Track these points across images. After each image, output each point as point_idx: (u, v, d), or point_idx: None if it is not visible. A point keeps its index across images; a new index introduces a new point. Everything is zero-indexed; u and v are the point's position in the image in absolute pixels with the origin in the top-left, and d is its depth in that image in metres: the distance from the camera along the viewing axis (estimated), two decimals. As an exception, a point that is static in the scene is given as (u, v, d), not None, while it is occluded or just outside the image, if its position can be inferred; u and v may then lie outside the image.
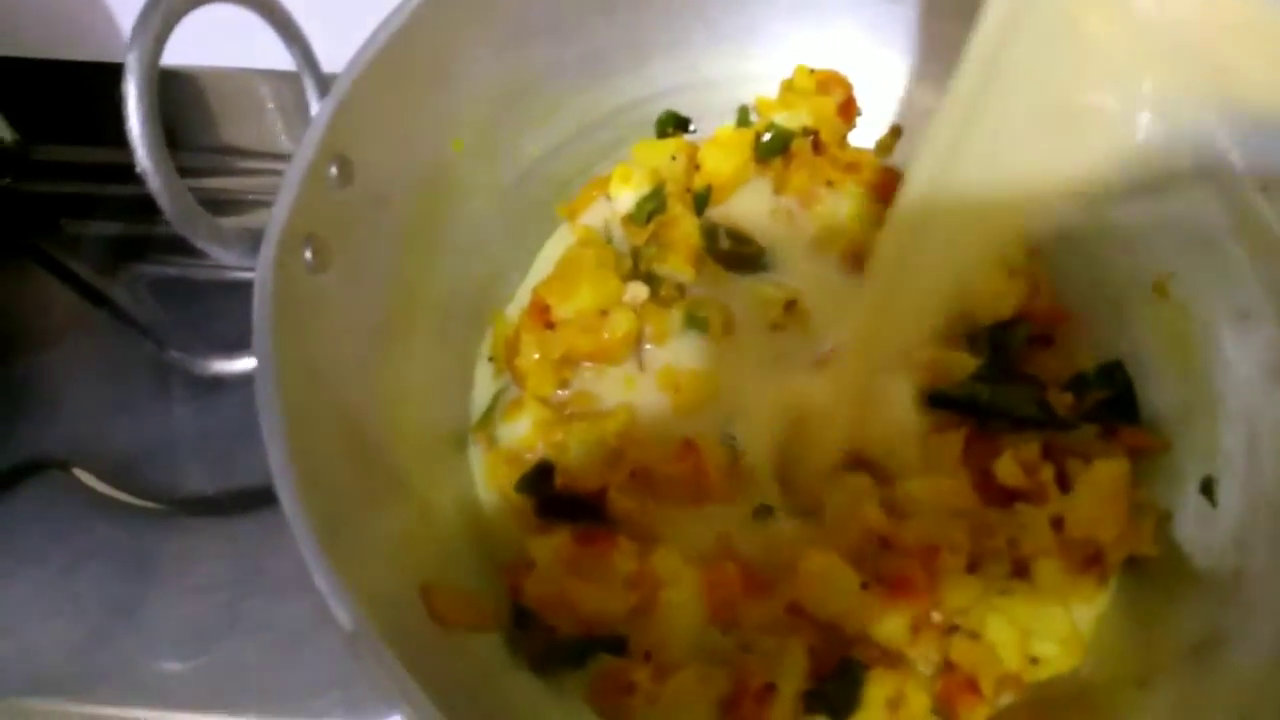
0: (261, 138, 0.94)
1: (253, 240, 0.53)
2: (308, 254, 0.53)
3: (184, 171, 0.52)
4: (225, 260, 0.53)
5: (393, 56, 0.57)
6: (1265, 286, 0.58)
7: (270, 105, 0.94)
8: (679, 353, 0.67)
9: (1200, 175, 0.60)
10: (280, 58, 0.89)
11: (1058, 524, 0.57)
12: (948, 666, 0.56)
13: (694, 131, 0.77)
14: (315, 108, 0.58)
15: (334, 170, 0.55)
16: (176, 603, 0.70)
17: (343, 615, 0.42)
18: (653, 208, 0.71)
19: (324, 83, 0.58)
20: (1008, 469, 0.58)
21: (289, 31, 0.57)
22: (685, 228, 0.69)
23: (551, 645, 0.56)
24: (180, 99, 0.90)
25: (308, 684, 0.66)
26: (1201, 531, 0.57)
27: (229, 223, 0.53)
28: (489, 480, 0.63)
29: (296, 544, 0.67)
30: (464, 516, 0.62)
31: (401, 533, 0.55)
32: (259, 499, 0.73)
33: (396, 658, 0.42)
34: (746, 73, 0.76)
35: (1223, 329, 0.60)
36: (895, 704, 0.53)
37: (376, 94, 0.57)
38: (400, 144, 0.61)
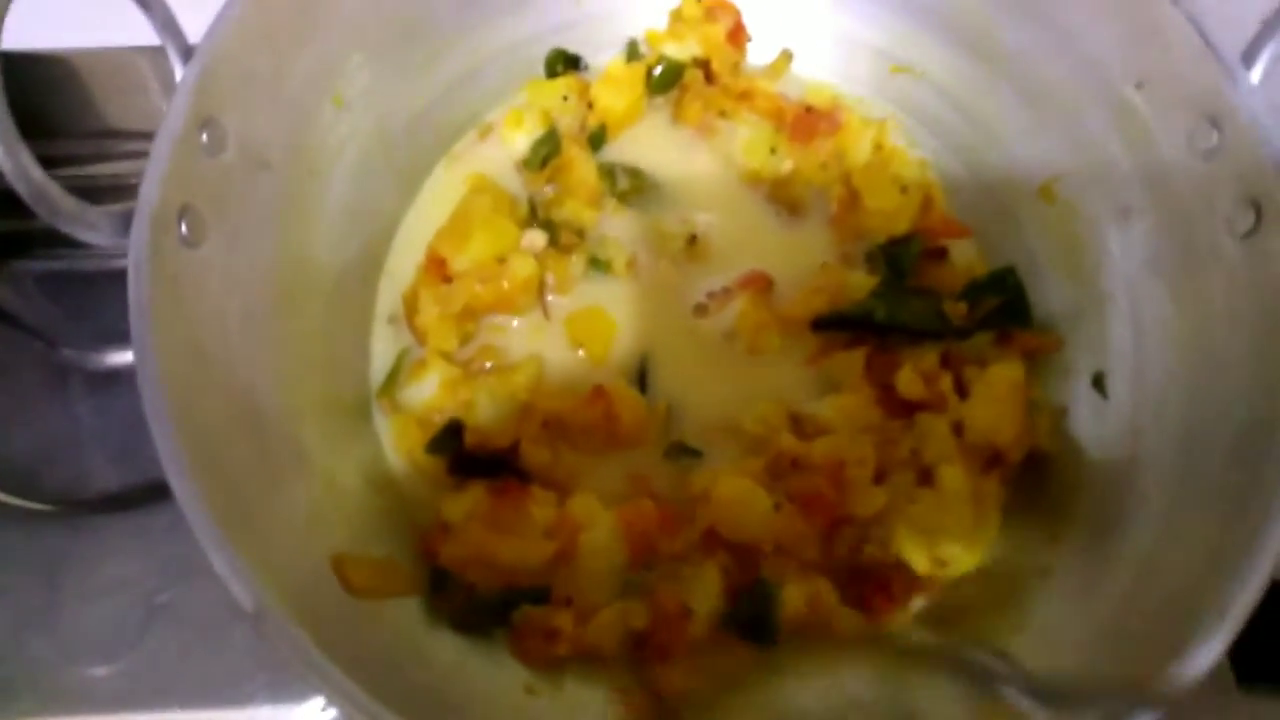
0: (145, 118, 0.88)
1: (120, 219, 0.51)
2: (183, 228, 0.51)
3: (64, 160, 0.49)
4: (99, 244, 0.50)
5: (257, 12, 0.54)
6: (1143, 182, 0.60)
7: (154, 84, 0.89)
8: (584, 298, 0.67)
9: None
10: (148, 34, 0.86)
11: (958, 430, 0.58)
12: (861, 575, 0.58)
13: (585, 69, 0.76)
14: (179, 71, 0.55)
15: (205, 137, 0.53)
16: (90, 605, 0.68)
17: (244, 596, 0.41)
18: (547, 151, 0.69)
19: (187, 50, 0.55)
20: (908, 381, 0.59)
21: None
22: (582, 171, 0.68)
23: (472, 603, 0.56)
24: (53, 83, 0.84)
25: (232, 672, 0.65)
26: (1095, 424, 0.59)
27: (114, 208, 0.50)
28: (397, 445, 0.62)
29: None
30: (371, 485, 0.61)
31: (308, 508, 0.54)
32: (167, 490, 0.71)
33: (307, 635, 0.41)
34: (633, 5, 0.74)
35: (1107, 227, 0.62)
36: (812, 601, 0.55)
37: (243, 53, 0.54)
38: (274, 104, 0.58)
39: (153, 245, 0.48)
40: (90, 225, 0.50)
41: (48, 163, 0.82)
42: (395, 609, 0.54)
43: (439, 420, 0.61)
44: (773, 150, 0.71)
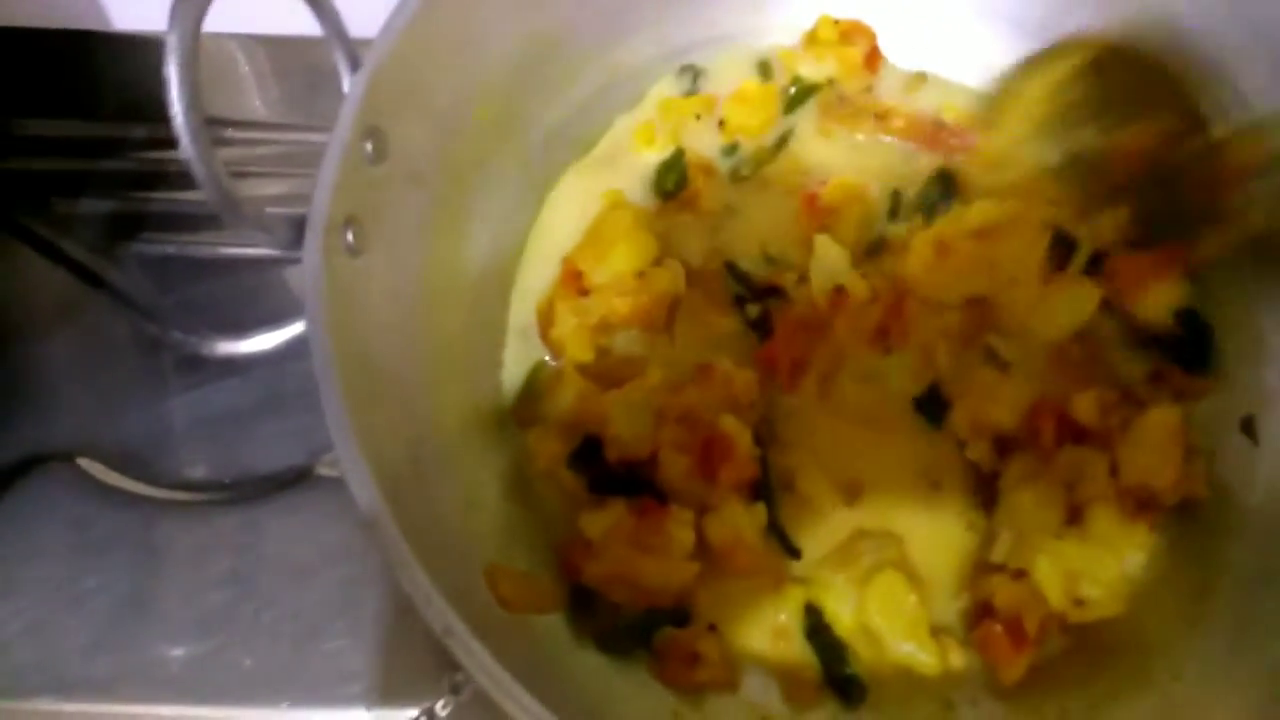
0: (236, 106, 0.89)
1: (292, 225, 0.51)
2: (349, 236, 0.52)
3: (167, 143, 0.49)
4: (268, 248, 0.51)
5: (422, 23, 0.55)
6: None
7: (245, 72, 0.90)
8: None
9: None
10: (253, 23, 0.87)
11: (1112, 470, 0.58)
12: (987, 609, 0.57)
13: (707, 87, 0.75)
14: (346, 80, 0.55)
15: (369, 147, 0.54)
16: (192, 594, 0.68)
17: (435, 620, 0.41)
18: (675, 179, 0.70)
19: (353, 52, 0.55)
20: (1086, 408, 0.59)
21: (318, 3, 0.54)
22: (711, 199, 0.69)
23: (616, 623, 0.56)
24: (154, 68, 0.86)
25: (331, 672, 0.65)
26: (1246, 470, 0.59)
27: (281, 212, 0.51)
28: (535, 458, 0.62)
29: (325, 529, 0.69)
30: (511, 497, 0.61)
31: (459, 520, 0.55)
32: (272, 483, 0.71)
33: (489, 652, 0.41)
34: (764, 25, 0.74)
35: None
36: None
37: (407, 63, 0.55)
38: (429, 116, 0.59)
39: (325, 254, 0.49)
40: (267, 230, 0.50)
41: (156, 145, 0.85)
42: (542, 625, 0.55)
43: (576, 433, 0.61)
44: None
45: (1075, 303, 0.63)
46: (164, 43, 0.43)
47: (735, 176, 0.71)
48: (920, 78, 0.75)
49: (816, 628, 0.58)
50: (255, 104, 0.90)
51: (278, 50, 0.89)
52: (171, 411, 0.76)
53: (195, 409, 0.76)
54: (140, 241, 0.82)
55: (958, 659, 0.57)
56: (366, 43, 0.54)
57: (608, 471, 0.60)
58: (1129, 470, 0.57)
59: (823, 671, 0.57)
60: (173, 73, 0.43)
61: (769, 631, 0.57)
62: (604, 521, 0.57)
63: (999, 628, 0.56)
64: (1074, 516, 0.58)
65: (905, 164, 0.71)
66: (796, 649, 0.58)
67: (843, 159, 0.71)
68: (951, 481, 0.62)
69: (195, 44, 0.43)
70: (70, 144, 0.85)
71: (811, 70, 0.72)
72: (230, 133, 0.87)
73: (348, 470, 0.44)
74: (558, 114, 0.70)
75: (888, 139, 0.72)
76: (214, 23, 0.82)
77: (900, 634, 0.57)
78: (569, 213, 0.70)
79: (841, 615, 0.58)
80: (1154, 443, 0.57)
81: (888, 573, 0.57)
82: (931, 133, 0.71)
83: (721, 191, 0.69)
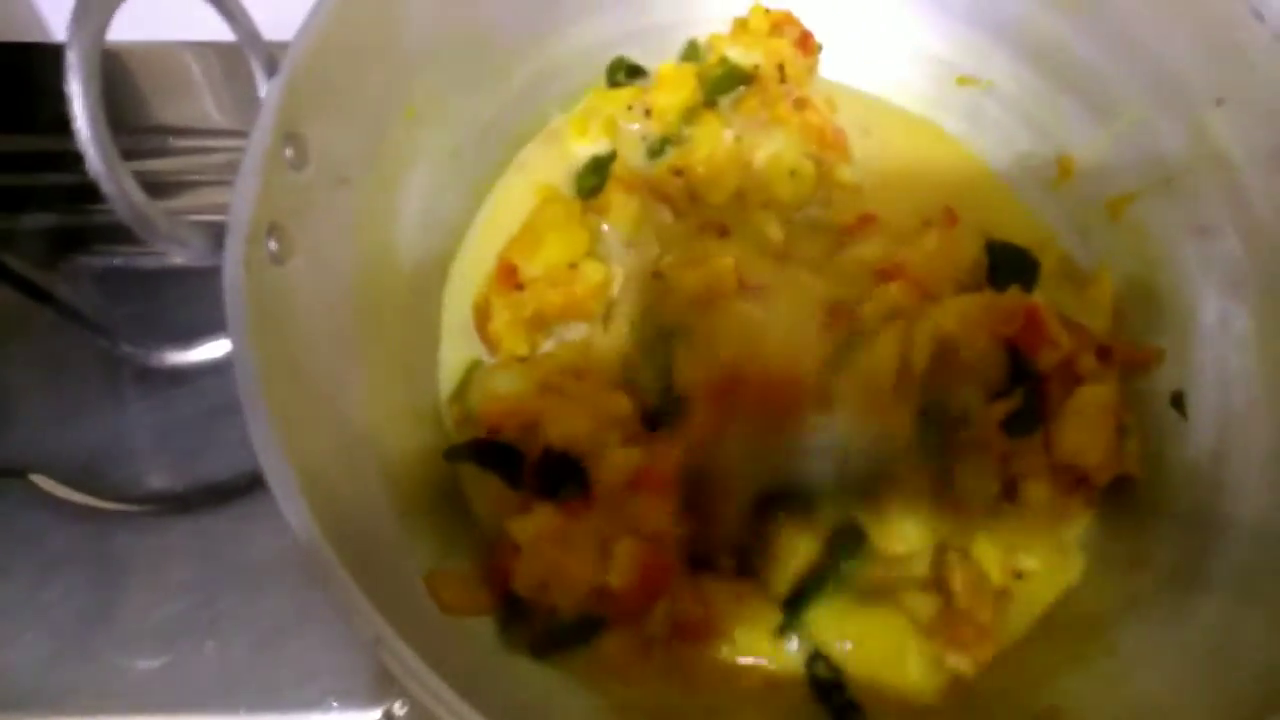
0: (189, 113, 0.89)
1: (212, 236, 0.51)
2: (272, 244, 0.51)
3: None
4: (186, 259, 0.50)
5: (340, 23, 0.54)
6: (1222, 201, 0.60)
7: (198, 79, 0.89)
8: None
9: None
10: (205, 28, 0.85)
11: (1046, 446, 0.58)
12: (944, 591, 0.57)
13: (646, 77, 0.75)
14: (262, 85, 0.54)
15: (290, 152, 0.53)
16: (151, 605, 0.68)
17: (363, 627, 0.41)
18: (593, 184, 0.70)
19: (269, 56, 0.55)
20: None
21: (225, 5, 0.53)
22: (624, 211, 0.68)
23: (550, 629, 0.55)
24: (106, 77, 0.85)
25: (295, 676, 0.65)
26: (1177, 447, 0.60)
27: (197, 220, 0.50)
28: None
29: (268, 539, 0.69)
30: (450, 499, 0.61)
31: (396, 524, 0.54)
32: (227, 492, 0.71)
33: (423, 660, 0.41)
34: (699, 14, 0.74)
35: (1184, 246, 0.62)
36: None
37: (326, 66, 0.54)
38: (351, 118, 0.58)
39: (247, 263, 0.48)
40: (183, 243, 0.49)
41: None
42: (479, 625, 0.54)
43: (509, 428, 0.60)
44: (791, 174, 0.71)
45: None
46: (68, 66, 0.42)
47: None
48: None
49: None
50: (209, 111, 0.89)
51: (230, 56, 0.88)
52: (124, 423, 0.76)
53: (148, 420, 0.76)
54: (86, 254, 0.81)
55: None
56: (284, 46, 0.54)
57: (540, 462, 0.59)
58: (1060, 447, 0.57)
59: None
60: (75, 88, 0.42)
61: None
62: (532, 525, 0.56)
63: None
64: (1010, 493, 0.58)
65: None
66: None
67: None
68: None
69: (97, 59, 0.43)
70: (11, 158, 0.85)
71: (740, 55, 0.72)
72: (184, 141, 0.87)
73: (275, 487, 0.44)
74: (489, 109, 0.69)
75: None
76: (163, 30, 0.83)
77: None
78: (503, 208, 0.70)
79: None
80: (1085, 420, 0.57)
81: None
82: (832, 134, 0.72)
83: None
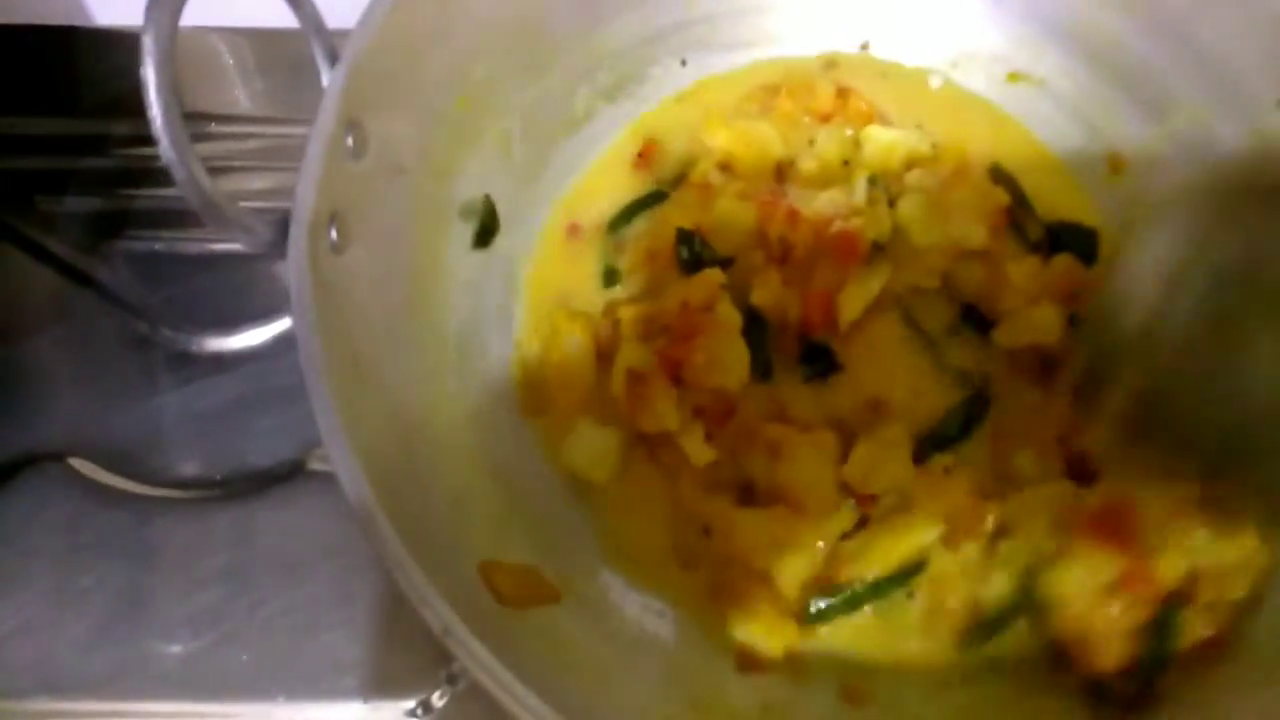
0: (221, 99, 0.88)
1: (274, 224, 0.51)
2: (333, 233, 0.51)
3: (146, 140, 0.48)
4: (248, 247, 0.50)
5: (401, 12, 0.54)
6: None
7: (229, 64, 0.89)
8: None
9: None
10: (234, 13, 0.86)
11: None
12: None
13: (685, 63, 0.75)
14: (325, 73, 0.54)
15: (350, 140, 0.53)
16: (186, 591, 0.68)
17: (433, 620, 0.41)
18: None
19: (331, 45, 0.54)
20: None
21: (292, -8, 0.53)
22: None
23: None
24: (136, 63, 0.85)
25: (327, 665, 0.65)
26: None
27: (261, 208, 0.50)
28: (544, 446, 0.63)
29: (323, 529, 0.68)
30: (506, 489, 0.61)
31: (451, 515, 0.54)
32: (265, 480, 0.71)
33: (491, 652, 0.41)
34: (748, 5, 0.74)
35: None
36: None
37: (386, 54, 0.54)
38: (410, 106, 0.58)
39: (310, 253, 0.48)
40: (248, 229, 0.49)
41: (140, 142, 0.84)
42: (538, 618, 0.54)
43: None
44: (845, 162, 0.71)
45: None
46: (144, 52, 0.42)
47: None
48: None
49: None
50: (239, 98, 0.88)
51: (261, 43, 0.88)
52: (162, 409, 0.75)
53: (186, 406, 0.75)
54: (126, 239, 0.81)
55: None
56: (345, 34, 0.53)
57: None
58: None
59: None
60: (150, 75, 0.42)
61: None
62: None
63: None
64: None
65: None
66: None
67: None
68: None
69: (172, 44, 0.43)
70: (53, 142, 0.84)
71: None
72: (214, 127, 0.87)
73: (339, 469, 0.44)
74: (539, 98, 0.69)
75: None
76: (197, 16, 0.82)
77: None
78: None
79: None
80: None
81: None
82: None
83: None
